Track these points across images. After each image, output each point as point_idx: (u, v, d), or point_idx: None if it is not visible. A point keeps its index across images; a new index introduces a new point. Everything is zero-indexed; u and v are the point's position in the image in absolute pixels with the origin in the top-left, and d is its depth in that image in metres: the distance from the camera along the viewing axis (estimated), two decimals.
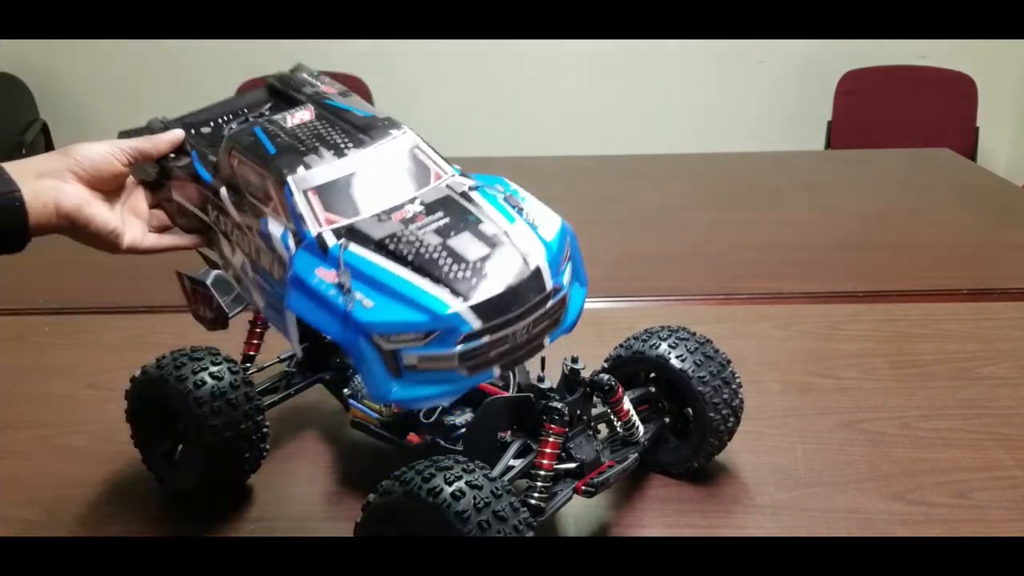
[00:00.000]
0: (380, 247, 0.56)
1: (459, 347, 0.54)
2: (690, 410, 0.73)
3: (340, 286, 0.54)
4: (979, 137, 2.59)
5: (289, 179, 0.58)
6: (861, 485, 0.76)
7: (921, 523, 0.71)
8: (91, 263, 1.27)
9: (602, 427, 0.71)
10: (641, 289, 1.16)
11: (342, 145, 0.61)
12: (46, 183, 0.61)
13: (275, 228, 0.60)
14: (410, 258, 0.55)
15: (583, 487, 0.64)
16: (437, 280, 0.54)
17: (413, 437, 0.70)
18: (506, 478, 0.62)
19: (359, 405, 0.73)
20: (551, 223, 0.60)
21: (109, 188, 0.64)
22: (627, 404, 0.69)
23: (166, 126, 0.67)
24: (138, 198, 0.67)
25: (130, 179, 0.66)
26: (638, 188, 1.63)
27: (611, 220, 1.44)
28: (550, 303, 0.57)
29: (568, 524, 0.72)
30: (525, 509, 0.56)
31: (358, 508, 0.58)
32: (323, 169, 0.59)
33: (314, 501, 0.74)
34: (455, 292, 0.53)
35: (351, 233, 0.57)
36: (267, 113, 0.70)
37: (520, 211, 0.60)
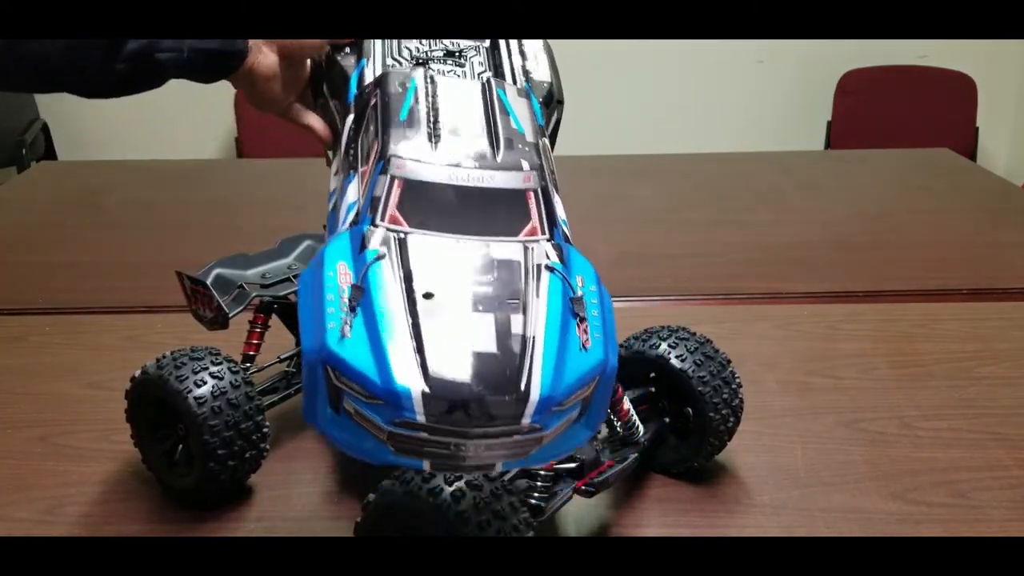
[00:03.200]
0: (407, 279, 0.51)
1: (390, 427, 0.48)
2: (690, 410, 0.73)
3: (349, 300, 0.50)
4: (979, 137, 2.59)
5: (391, 158, 0.54)
6: (861, 485, 0.76)
7: (921, 523, 0.71)
8: (91, 263, 1.28)
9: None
10: (641, 289, 1.16)
11: (464, 151, 0.56)
12: (254, 42, 0.65)
13: (352, 192, 0.56)
14: (418, 310, 0.49)
15: (583, 487, 0.64)
16: (420, 351, 0.48)
17: None
18: (506, 478, 0.62)
19: None
20: (589, 358, 0.52)
21: (293, 60, 0.68)
22: (627, 404, 0.69)
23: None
24: (301, 66, 0.70)
25: None
26: (638, 188, 1.63)
27: (611, 220, 1.44)
28: (516, 437, 0.50)
29: (568, 524, 0.72)
30: (525, 509, 0.56)
31: (358, 508, 0.58)
32: (428, 168, 0.55)
33: (314, 501, 0.74)
34: (424, 374, 0.47)
35: (400, 245, 0.52)
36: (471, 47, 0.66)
37: (579, 320, 0.52)
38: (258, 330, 0.80)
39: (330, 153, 0.70)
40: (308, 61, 0.71)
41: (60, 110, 2.73)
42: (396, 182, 0.54)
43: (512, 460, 0.51)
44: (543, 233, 0.56)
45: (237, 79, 0.68)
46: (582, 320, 0.53)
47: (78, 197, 1.61)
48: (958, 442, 0.82)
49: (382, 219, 0.53)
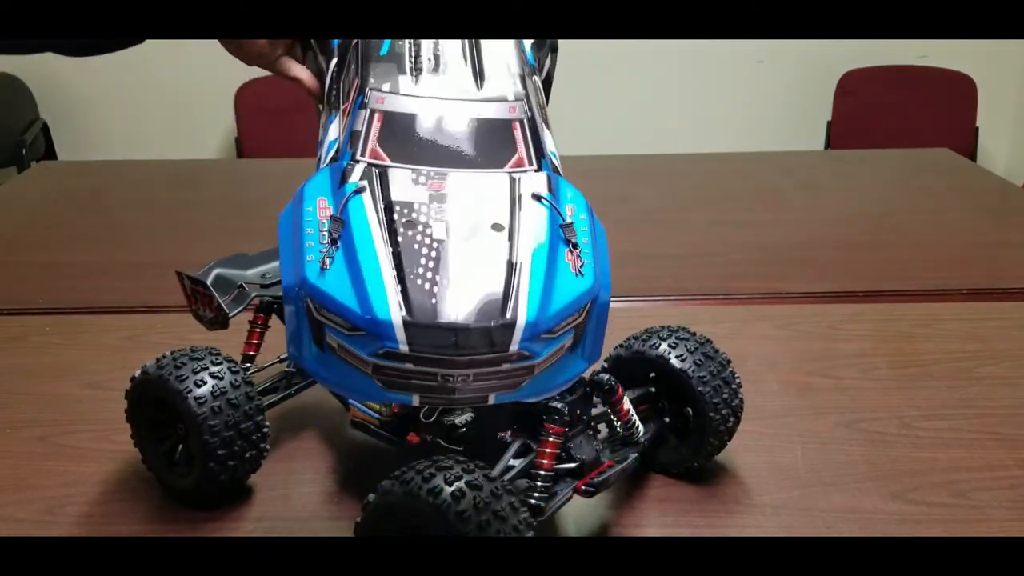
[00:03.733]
0: (388, 211, 0.50)
1: (374, 359, 0.48)
2: (690, 410, 0.73)
3: (329, 232, 0.49)
4: (979, 137, 2.59)
5: (369, 92, 0.53)
6: (861, 485, 0.76)
7: (921, 523, 0.71)
8: (91, 263, 1.28)
9: (602, 427, 0.71)
10: (641, 289, 1.16)
11: (445, 83, 0.54)
12: None
13: (333, 131, 0.55)
14: (399, 240, 0.49)
15: (583, 487, 0.64)
16: (401, 280, 0.47)
17: (413, 437, 0.70)
18: (506, 478, 0.61)
19: (359, 405, 0.73)
20: (580, 284, 0.51)
21: None
22: (627, 404, 0.69)
23: None
24: None
25: None
26: (638, 188, 1.63)
27: (611, 220, 1.43)
28: (505, 366, 0.49)
29: (568, 524, 0.72)
30: (525, 509, 0.56)
31: (358, 508, 0.58)
32: (408, 100, 0.53)
33: (314, 501, 0.74)
34: (405, 302, 0.47)
35: (382, 178, 0.51)
36: None
37: (570, 246, 0.51)
38: (258, 330, 0.80)
39: (320, 105, 0.70)
40: None
41: (60, 110, 2.73)
42: (376, 116, 0.53)
43: (505, 392, 0.50)
44: (531, 164, 0.54)
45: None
46: (574, 247, 0.51)
47: (78, 197, 1.61)
48: (958, 442, 0.82)
49: (362, 154, 0.52)
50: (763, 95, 2.77)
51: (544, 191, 0.53)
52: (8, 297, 1.15)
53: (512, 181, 0.53)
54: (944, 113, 2.57)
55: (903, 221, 1.44)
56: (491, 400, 0.51)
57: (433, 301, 0.47)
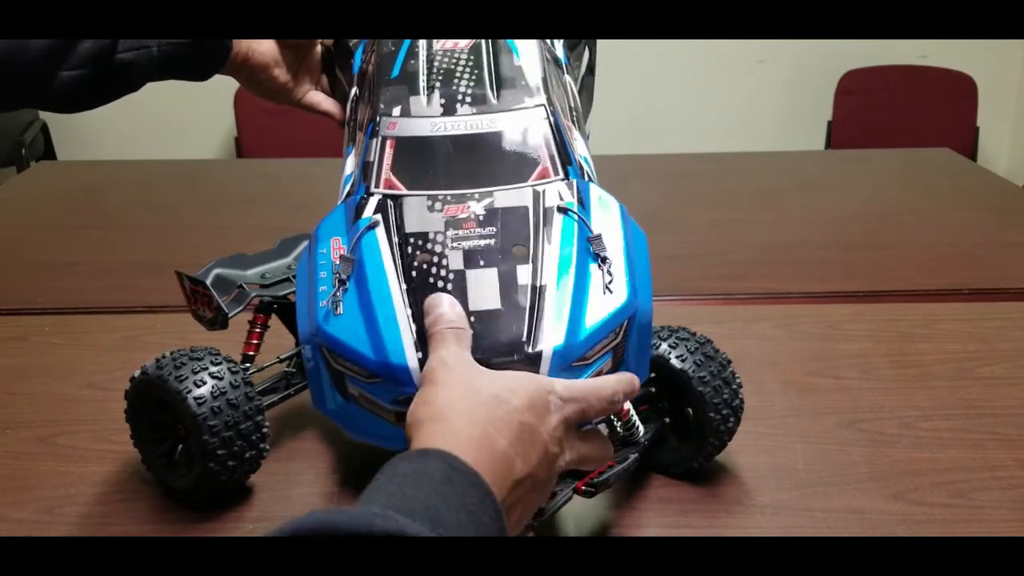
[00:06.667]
0: (403, 244, 0.47)
1: (395, 407, 0.45)
2: (690, 410, 0.73)
3: (337, 273, 0.46)
4: (979, 137, 2.59)
5: (380, 118, 0.50)
6: (861, 485, 0.76)
7: (921, 523, 0.71)
8: (91, 263, 1.28)
9: (602, 427, 0.71)
10: None
11: (459, 98, 0.51)
12: None
13: (349, 164, 0.53)
14: (413, 275, 0.46)
15: (583, 487, 0.64)
16: (418, 318, 0.45)
17: None
18: None
19: None
20: (612, 301, 0.47)
21: (298, 46, 0.64)
22: (627, 404, 0.69)
23: None
24: (307, 51, 0.66)
25: None
26: (638, 188, 1.63)
27: None
28: None
29: (568, 524, 0.71)
30: None
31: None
32: (420, 122, 0.50)
33: (314, 501, 0.74)
34: (422, 343, 0.44)
35: (396, 209, 0.48)
36: None
37: (600, 260, 0.48)
38: (258, 330, 0.79)
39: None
40: (318, 43, 0.67)
41: None
42: (388, 143, 0.50)
43: None
44: (556, 174, 0.51)
45: (234, 72, 0.63)
46: (603, 261, 0.48)
47: (78, 197, 1.61)
48: (959, 442, 0.82)
49: (376, 185, 0.49)
50: (763, 95, 2.77)
51: (572, 202, 0.50)
52: (8, 297, 1.15)
53: (536, 195, 0.50)
54: (944, 113, 2.57)
55: (903, 221, 1.44)
56: None
57: None
